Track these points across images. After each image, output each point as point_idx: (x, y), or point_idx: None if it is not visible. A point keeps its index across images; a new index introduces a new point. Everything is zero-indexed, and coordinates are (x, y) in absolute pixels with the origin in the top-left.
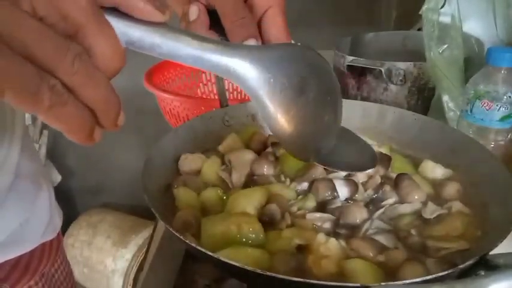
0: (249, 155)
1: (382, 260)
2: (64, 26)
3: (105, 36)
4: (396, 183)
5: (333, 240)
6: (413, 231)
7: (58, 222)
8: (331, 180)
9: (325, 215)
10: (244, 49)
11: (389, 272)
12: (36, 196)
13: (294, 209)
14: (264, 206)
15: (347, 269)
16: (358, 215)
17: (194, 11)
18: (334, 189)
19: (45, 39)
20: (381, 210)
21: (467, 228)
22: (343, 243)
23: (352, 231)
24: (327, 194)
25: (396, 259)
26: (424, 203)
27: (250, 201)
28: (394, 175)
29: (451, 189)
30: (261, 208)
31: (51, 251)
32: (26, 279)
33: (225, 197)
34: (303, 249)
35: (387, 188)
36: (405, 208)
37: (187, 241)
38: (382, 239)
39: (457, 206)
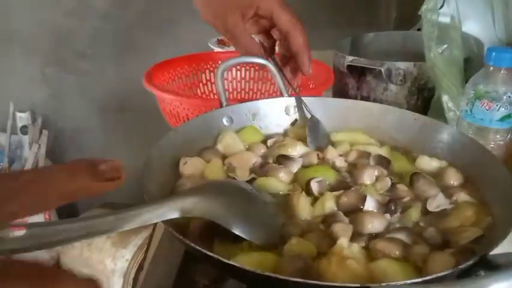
0: (249, 155)
1: (409, 257)
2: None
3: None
4: (411, 182)
5: (355, 245)
6: (426, 224)
7: None
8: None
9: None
10: None
11: (417, 267)
12: None
13: (310, 214)
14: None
15: (375, 269)
16: (378, 224)
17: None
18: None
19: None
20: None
21: (478, 215)
22: (363, 245)
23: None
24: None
25: (421, 254)
26: (434, 196)
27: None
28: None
29: (450, 173)
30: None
31: None
32: None
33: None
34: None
35: (402, 187)
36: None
37: (186, 241)
38: (401, 236)
39: (462, 197)
